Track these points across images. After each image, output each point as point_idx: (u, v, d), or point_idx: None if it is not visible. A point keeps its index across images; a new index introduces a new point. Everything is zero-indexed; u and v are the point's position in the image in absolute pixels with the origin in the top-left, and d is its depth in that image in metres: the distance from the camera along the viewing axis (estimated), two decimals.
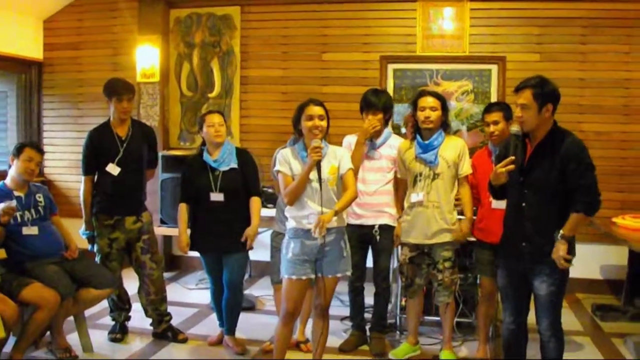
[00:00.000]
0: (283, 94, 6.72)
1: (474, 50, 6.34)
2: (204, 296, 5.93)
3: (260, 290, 6.09)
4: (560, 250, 3.32)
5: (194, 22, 6.75)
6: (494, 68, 6.31)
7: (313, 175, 3.63)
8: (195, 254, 6.01)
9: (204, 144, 4.49)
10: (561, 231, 3.33)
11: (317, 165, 3.61)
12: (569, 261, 3.33)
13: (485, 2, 6.31)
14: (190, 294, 6.01)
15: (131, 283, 4.88)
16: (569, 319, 5.08)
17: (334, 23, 6.60)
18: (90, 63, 7.05)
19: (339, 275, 3.77)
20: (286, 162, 3.73)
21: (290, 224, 3.74)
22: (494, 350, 4.49)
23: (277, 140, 6.29)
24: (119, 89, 4.52)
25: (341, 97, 6.34)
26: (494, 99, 6.25)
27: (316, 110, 3.69)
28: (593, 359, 4.49)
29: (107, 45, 6.96)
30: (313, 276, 3.72)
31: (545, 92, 3.35)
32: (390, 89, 6.35)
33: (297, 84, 6.66)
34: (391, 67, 6.48)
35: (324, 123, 3.70)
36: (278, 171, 3.74)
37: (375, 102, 4.48)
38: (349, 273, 3.83)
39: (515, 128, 3.45)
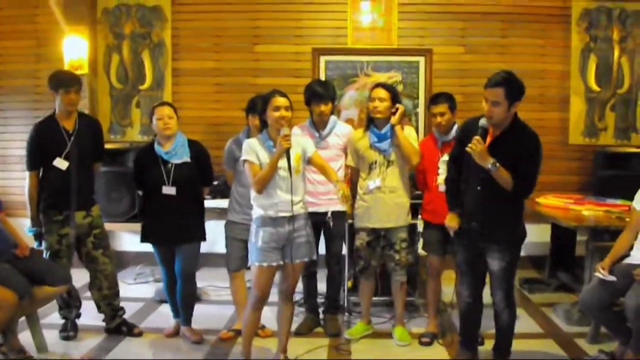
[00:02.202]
0: (216, 86, 6.75)
1: (403, 43, 6.63)
2: (146, 290, 5.94)
3: (201, 281, 6.10)
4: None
5: (123, 13, 6.63)
6: (421, 60, 6.62)
7: (282, 163, 3.74)
8: (129, 248, 5.99)
9: (156, 135, 4.49)
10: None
11: (287, 153, 3.74)
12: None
13: None
14: (130, 289, 5.94)
15: (77, 278, 4.79)
16: None
17: (266, 15, 6.68)
18: (11, 54, 6.75)
19: (306, 259, 3.92)
20: (253, 151, 3.81)
21: (258, 212, 3.83)
22: (441, 325, 4.76)
23: (211, 132, 6.41)
24: (67, 81, 4.43)
25: (274, 89, 6.43)
26: (422, 89, 6.60)
27: (282, 101, 3.81)
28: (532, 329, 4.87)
29: (29, 35, 6.69)
30: (282, 262, 3.84)
31: (515, 90, 3.57)
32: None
33: (230, 76, 6.71)
34: (323, 59, 6.65)
35: (289, 113, 3.83)
36: (245, 160, 3.81)
37: (324, 93, 4.63)
38: (314, 257, 4.00)
39: (483, 121, 3.64)
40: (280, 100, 3.80)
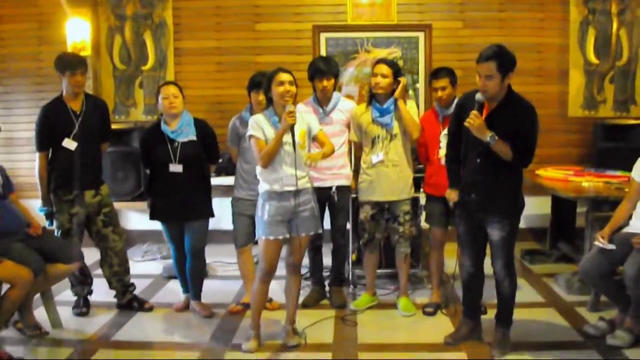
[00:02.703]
0: (217, 65, 6.81)
1: (402, 18, 6.68)
2: (154, 267, 6.05)
3: (208, 257, 6.20)
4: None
5: None
6: (420, 35, 6.68)
7: (286, 138, 3.82)
8: (135, 227, 6.05)
9: (162, 114, 4.57)
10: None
11: (291, 128, 3.81)
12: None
13: None
14: (139, 266, 6.05)
15: (88, 256, 4.89)
16: None
17: None
18: (13, 37, 6.80)
19: (312, 233, 4.02)
20: (259, 127, 3.89)
21: (264, 187, 3.93)
22: (445, 295, 4.87)
23: (214, 110, 6.48)
24: (73, 63, 4.50)
25: (275, 66, 6.34)
26: (422, 64, 6.67)
27: (286, 76, 3.88)
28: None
29: (31, 18, 6.73)
30: (288, 235, 3.94)
31: (507, 62, 3.63)
32: None
33: (231, 54, 6.77)
34: (323, 36, 6.70)
35: (293, 88, 3.90)
36: (251, 136, 3.89)
37: (326, 69, 4.70)
38: (320, 231, 4.10)
39: (479, 96, 3.69)
40: (284, 76, 3.88)
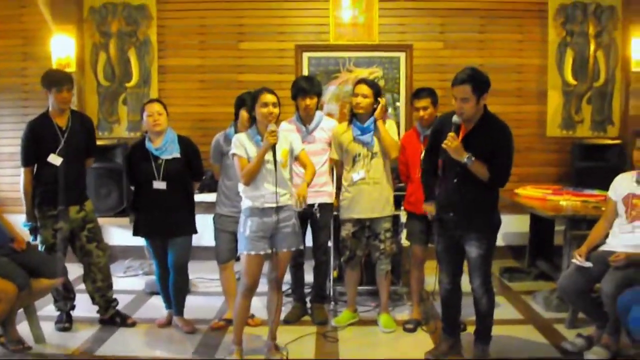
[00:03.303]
0: (201, 82, 6.89)
1: (383, 39, 6.80)
2: (136, 282, 6.05)
3: (189, 274, 6.23)
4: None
5: (110, 11, 6.73)
6: (402, 55, 6.80)
7: (268, 157, 3.89)
8: (117, 242, 6.03)
9: (147, 131, 4.62)
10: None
11: (272, 148, 3.88)
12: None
13: None
14: (121, 282, 6.04)
15: (71, 271, 4.90)
16: None
17: (250, 13, 6.82)
18: None
19: (292, 249, 4.08)
20: (242, 145, 3.95)
21: (246, 203, 3.98)
22: (425, 312, 4.93)
23: (197, 128, 6.53)
24: (59, 80, 4.55)
25: (258, 85, 6.25)
26: (402, 84, 6.78)
27: (270, 98, 3.96)
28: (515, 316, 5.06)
29: (16, 35, 6.77)
30: (269, 251, 4.00)
31: (481, 84, 3.73)
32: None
33: (215, 72, 6.86)
34: (306, 55, 6.79)
35: (276, 110, 3.98)
36: (234, 154, 3.96)
37: (309, 88, 4.78)
38: (301, 247, 4.16)
39: (456, 119, 3.79)
40: (268, 97, 3.95)
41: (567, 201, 5.40)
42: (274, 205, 3.93)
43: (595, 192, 5.55)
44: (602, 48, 6.78)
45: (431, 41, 6.80)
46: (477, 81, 3.71)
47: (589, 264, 4.11)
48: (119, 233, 6.82)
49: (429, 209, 4.15)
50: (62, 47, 6.45)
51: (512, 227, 6.51)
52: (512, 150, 3.87)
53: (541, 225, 6.15)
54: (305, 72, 6.74)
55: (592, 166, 6.48)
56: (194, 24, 6.82)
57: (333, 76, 6.77)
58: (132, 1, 6.73)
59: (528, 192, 5.83)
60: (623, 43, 6.73)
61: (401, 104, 6.81)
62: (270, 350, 4.16)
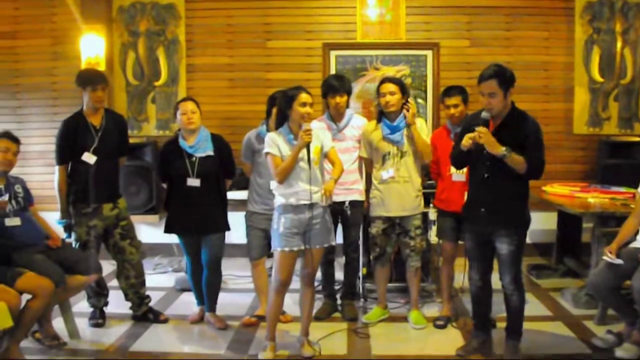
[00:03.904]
0: (229, 81, 6.94)
1: (410, 37, 6.82)
2: (165, 280, 6.13)
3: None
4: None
5: (138, 11, 6.81)
6: (429, 53, 6.81)
7: (302, 155, 3.94)
8: (146, 240, 6.09)
9: (180, 129, 4.68)
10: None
11: (307, 146, 3.94)
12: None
13: None
14: (150, 279, 6.01)
15: (103, 268, 4.96)
16: None
17: (277, 12, 6.87)
18: (28, 53, 6.92)
19: (325, 245, 4.14)
20: (275, 144, 4.00)
21: (279, 200, 4.03)
22: (454, 309, 4.96)
23: (225, 126, 6.54)
24: (94, 79, 4.61)
25: (286, 83, 6.43)
26: (429, 82, 6.79)
27: (308, 98, 4.02)
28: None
29: (46, 34, 6.86)
30: (303, 247, 4.05)
31: (507, 79, 3.80)
32: None
33: (243, 71, 6.91)
34: (333, 54, 6.83)
35: (312, 109, 4.04)
36: (268, 153, 4.01)
37: (340, 86, 4.82)
38: (333, 243, 4.21)
39: (486, 114, 3.85)
40: (307, 97, 4.00)
41: (595, 198, 5.39)
42: (308, 202, 3.98)
43: (623, 189, 5.52)
44: (629, 45, 6.75)
45: (458, 39, 6.81)
46: (502, 76, 3.79)
47: (619, 261, 4.11)
48: (147, 230, 6.88)
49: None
50: (92, 47, 6.52)
51: (539, 225, 6.48)
52: (542, 142, 3.92)
53: (568, 222, 6.13)
54: (333, 71, 6.78)
55: (618, 163, 6.45)
56: (221, 23, 6.88)
57: (360, 74, 6.79)
58: (161, 0, 6.81)
59: (555, 190, 5.83)
60: None
61: (428, 101, 6.83)
62: (303, 345, 4.20)
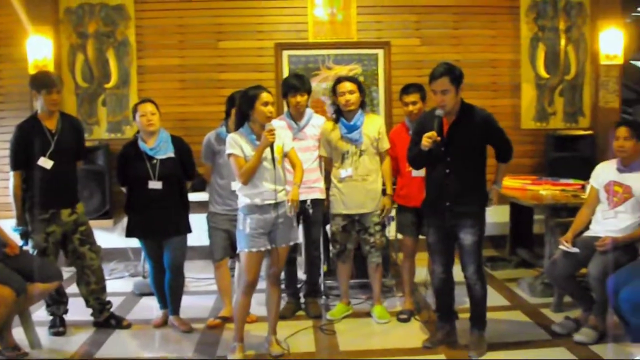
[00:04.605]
0: (181, 82, 6.88)
1: (362, 36, 6.90)
2: (122, 285, 6.02)
3: None
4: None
5: (87, 12, 6.67)
6: (380, 52, 6.91)
7: (265, 154, 3.95)
8: (102, 245, 5.99)
9: (139, 131, 4.63)
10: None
11: (270, 146, 3.95)
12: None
13: None
14: (107, 285, 5.91)
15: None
16: None
17: (229, 12, 6.84)
18: None
19: (291, 243, 4.17)
20: (237, 145, 3.99)
21: (244, 201, 4.02)
22: (416, 302, 5.06)
23: (178, 127, 6.45)
24: (49, 82, 4.50)
25: (238, 84, 6.42)
26: (381, 80, 6.90)
27: (270, 97, 4.01)
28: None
29: None
30: (269, 247, 4.05)
31: (457, 76, 3.95)
32: (286, 75, 6.65)
33: (195, 72, 6.86)
34: (285, 54, 6.85)
35: (274, 109, 4.05)
36: (230, 154, 3.99)
37: (300, 86, 4.84)
38: (299, 241, 4.24)
39: (439, 111, 3.95)
40: (269, 96, 4.00)
41: (547, 190, 5.55)
42: (273, 201, 3.99)
43: (571, 181, 5.72)
44: (572, 42, 6.99)
45: (408, 38, 6.93)
46: (453, 73, 3.94)
47: (575, 250, 4.28)
48: (101, 235, 6.68)
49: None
50: (39, 49, 6.38)
51: (492, 218, 6.49)
52: (500, 127, 4.16)
53: (520, 215, 6.32)
54: (285, 71, 6.79)
55: (565, 156, 6.72)
56: (172, 24, 6.81)
57: (313, 74, 6.82)
58: (110, 1, 6.68)
59: (507, 183, 5.95)
60: (591, 37, 6.96)
61: (380, 99, 6.92)
62: (272, 344, 4.21)
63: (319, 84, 6.84)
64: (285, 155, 4.16)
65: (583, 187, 5.27)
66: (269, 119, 3.97)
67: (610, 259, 4.08)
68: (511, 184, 5.93)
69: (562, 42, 6.97)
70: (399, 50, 6.90)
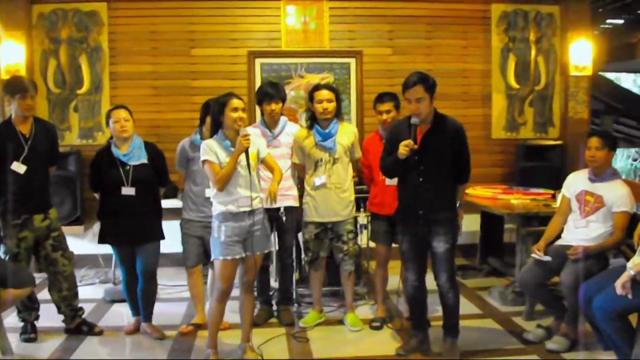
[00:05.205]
0: (153, 89, 6.85)
1: (334, 45, 6.96)
2: (93, 291, 5.96)
3: None
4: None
5: (60, 17, 6.61)
6: (352, 61, 6.97)
7: (240, 161, 3.96)
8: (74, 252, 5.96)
9: (112, 137, 4.62)
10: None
11: (245, 152, 3.96)
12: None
13: (342, 2, 6.95)
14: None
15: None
16: None
17: (202, 20, 6.85)
18: None
19: (266, 251, 4.20)
20: (212, 151, 4.00)
21: (219, 208, 4.02)
22: (389, 310, 5.10)
23: (150, 134, 6.42)
24: (23, 87, 4.47)
25: (211, 91, 6.44)
26: (353, 89, 6.95)
27: (239, 103, 4.03)
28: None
29: None
30: (244, 255, 4.06)
31: (430, 85, 4.01)
32: (258, 82, 6.69)
33: (167, 79, 6.84)
34: (258, 62, 6.88)
35: (245, 114, 4.07)
36: (205, 161, 3.99)
37: (275, 93, 4.86)
38: (272, 248, 4.25)
39: (415, 119, 4.00)
40: (237, 102, 4.01)
41: (518, 200, 5.63)
42: (248, 209, 4.00)
43: (542, 190, 5.82)
44: (542, 53, 7.13)
45: (380, 47, 7.00)
46: (427, 81, 3.99)
47: (547, 258, 4.35)
48: (72, 242, 6.58)
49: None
50: (11, 54, 6.32)
51: (463, 227, 6.71)
52: (467, 146, 4.18)
53: (491, 223, 6.39)
54: (258, 78, 6.81)
55: (535, 166, 6.83)
56: (145, 30, 6.79)
57: (285, 82, 6.83)
58: (83, 7, 6.64)
59: (478, 192, 6.05)
60: (561, 49, 7.11)
61: (352, 107, 6.97)
62: (246, 352, 4.21)
63: (291, 92, 6.86)
64: (261, 161, 4.18)
65: (554, 197, 5.35)
66: (236, 124, 3.97)
67: (582, 268, 4.14)
68: (482, 193, 6.02)
69: (533, 52, 7.10)
70: (371, 60, 6.97)
